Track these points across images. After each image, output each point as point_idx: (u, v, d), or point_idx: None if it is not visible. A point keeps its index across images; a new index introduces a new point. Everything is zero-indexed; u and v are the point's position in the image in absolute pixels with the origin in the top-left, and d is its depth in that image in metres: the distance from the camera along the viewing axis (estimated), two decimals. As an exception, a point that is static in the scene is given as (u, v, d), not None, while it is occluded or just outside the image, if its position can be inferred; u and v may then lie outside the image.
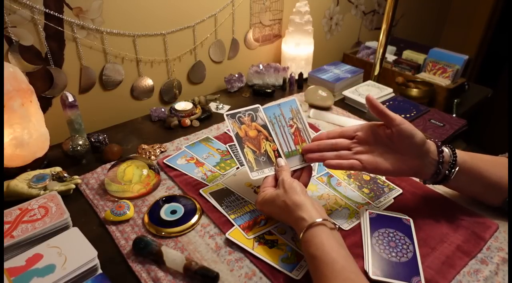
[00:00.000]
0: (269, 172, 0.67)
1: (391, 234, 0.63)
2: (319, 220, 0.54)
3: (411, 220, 0.66)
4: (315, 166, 0.81)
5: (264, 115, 0.70)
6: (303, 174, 0.66)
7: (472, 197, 0.70)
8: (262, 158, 0.67)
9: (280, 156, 0.68)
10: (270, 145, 0.69)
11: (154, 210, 0.68)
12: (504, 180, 0.62)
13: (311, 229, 0.53)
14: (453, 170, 0.62)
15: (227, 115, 0.69)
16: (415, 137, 0.60)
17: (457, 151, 0.63)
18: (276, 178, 0.65)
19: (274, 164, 0.67)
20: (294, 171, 0.67)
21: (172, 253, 0.58)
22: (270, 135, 0.69)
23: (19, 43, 0.80)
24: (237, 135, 0.68)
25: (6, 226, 0.59)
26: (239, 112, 0.70)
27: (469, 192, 0.69)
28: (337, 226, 0.56)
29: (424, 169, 0.62)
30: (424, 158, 0.62)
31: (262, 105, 0.71)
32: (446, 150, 0.63)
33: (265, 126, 0.70)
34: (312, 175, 0.73)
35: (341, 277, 0.48)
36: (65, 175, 0.74)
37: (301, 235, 0.54)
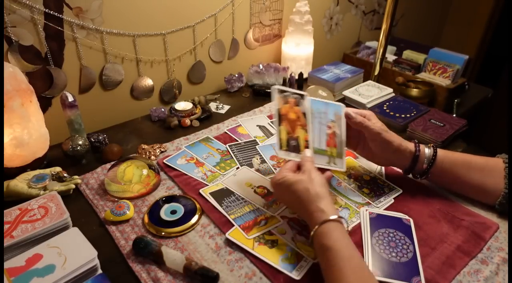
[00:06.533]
0: (294, 157, 0.67)
1: (391, 234, 0.63)
2: (335, 217, 0.55)
3: (411, 220, 0.66)
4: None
5: (309, 105, 0.70)
6: (324, 176, 0.66)
7: (466, 195, 0.72)
8: (293, 142, 0.67)
9: (308, 148, 0.68)
10: (303, 134, 0.69)
11: (154, 210, 0.68)
12: (488, 184, 0.67)
13: (329, 222, 0.54)
14: (430, 168, 0.69)
15: (276, 88, 0.69)
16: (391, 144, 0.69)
17: (439, 152, 0.69)
18: (298, 166, 0.65)
19: (302, 153, 0.67)
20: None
21: (172, 253, 0.58)
22: (307, 125, 0.69)
23: (19, 43, 0.80)
24: (279, 110, 0.68)
25: (6, 226, 0.59)
26: (288, 91, 0.70)
27: (458, 191, 0.72)
28: (349, 228, 0.57)
29: (397, 163, 0.73)
30: (398, 155, 0.70)
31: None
32: (426, 150, 0.70)
33: (305, 115, 0.70)
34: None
35: (357, 275, 0.49)
36: (65, 175, 0.74)
37: (317, 226, 0.54)
